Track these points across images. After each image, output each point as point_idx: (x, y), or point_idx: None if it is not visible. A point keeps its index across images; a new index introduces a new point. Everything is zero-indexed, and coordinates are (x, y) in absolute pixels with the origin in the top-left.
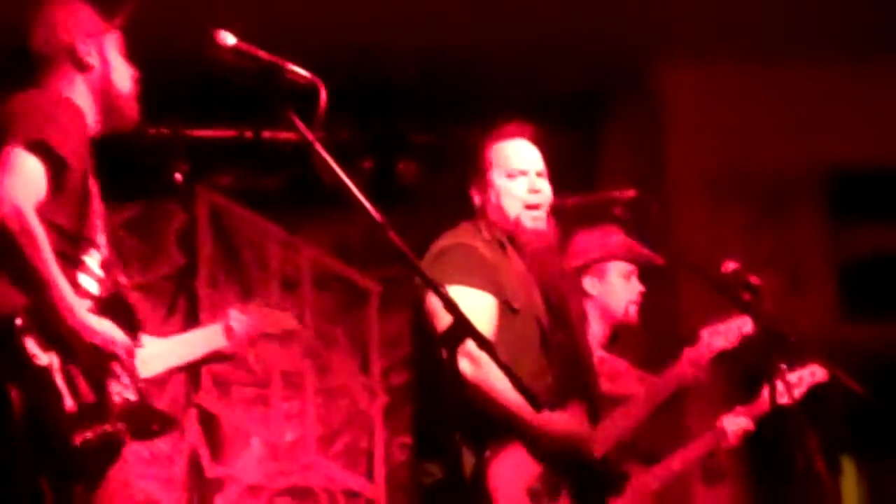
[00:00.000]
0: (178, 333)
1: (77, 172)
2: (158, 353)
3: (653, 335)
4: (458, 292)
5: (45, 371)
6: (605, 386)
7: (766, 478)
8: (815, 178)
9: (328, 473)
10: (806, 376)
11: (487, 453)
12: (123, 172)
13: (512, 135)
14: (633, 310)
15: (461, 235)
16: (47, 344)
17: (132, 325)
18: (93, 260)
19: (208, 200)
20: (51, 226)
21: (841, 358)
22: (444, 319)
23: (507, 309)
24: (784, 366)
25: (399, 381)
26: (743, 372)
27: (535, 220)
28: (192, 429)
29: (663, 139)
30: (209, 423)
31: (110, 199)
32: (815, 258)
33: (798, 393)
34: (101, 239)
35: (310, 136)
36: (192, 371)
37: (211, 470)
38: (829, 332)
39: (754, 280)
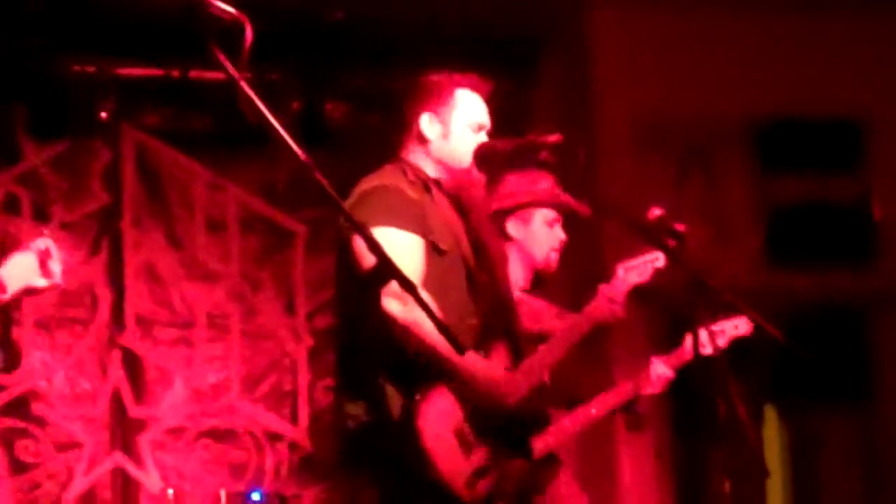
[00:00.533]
0: (101, 274)
1: None
2: None
3: (576, 280)
4: (385, 234)
5: None
6: (526, 325)
7: (688, 425)
8: (742, 127)
9: (252, 415)
10: (729, 328)
11: (417, 396)
12: (49, 109)
13: (477, 87)
14: (553, 257)
15: (386, 177)
16: None
17: None
18: None
19: (134, 139)
20: None
21: (767, 306)
22: (368, 260)
23: (433, 250)
24: (708, 316)
25: (324, 323)
26: (668, 321)
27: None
28: (115, 369)
29: (592, 85)
30: (132, 363)
31: (35, 136)
32: (742, 207)
33: (721, 343)
34: None
35: (234, 73)
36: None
37: (133, 410)
38: (755, 280)
39: (679, 227)
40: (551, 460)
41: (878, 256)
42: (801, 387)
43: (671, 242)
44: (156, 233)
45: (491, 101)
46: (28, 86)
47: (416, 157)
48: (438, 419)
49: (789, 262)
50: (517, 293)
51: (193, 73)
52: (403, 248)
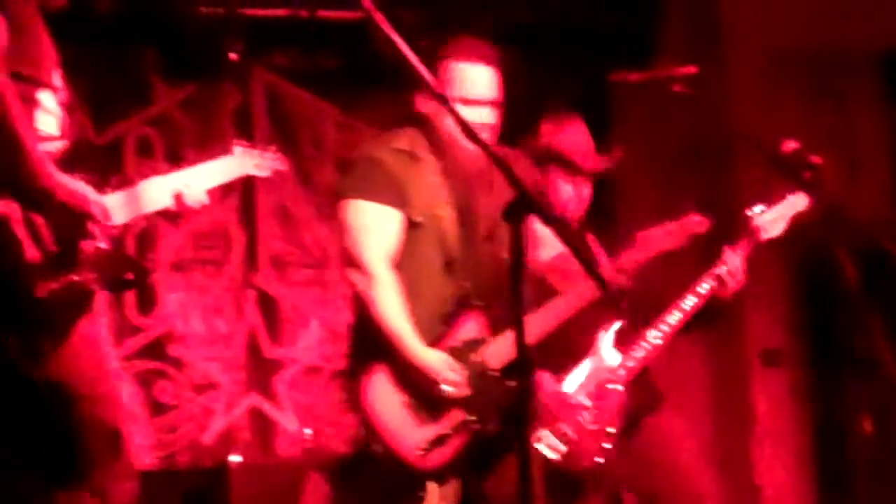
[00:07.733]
0: (234, 215)
1: (24, 16)
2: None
3: (712, 211)
4: (360, 206)
5: (3, 221)
6: (560, 284)
7: (826, 363)
8: (874, 57)
9: None
10: (787, 208)
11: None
12: (178, 53)
13: (475, 57)
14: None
15: (372, 147)
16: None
17: (99, 169)
18: (48, 98)
19: (264, 80)
20: (10, 74)
21: None
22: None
23: (409, 225)
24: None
25: None
26: (804, 253)
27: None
28: (251, 310)
29: (723, 17)
30: (267, 304)
31: (166, 80)
32: (874, 138)
33: (783, 227)
34: (57, 80)
35: (370, 7)
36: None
37: (269, 351)
38: (885, 212)
39: (815, 159)
40: (653, 393)
41: None
42: None
43: (807, 175)
44: (287, 173)
45: (503, 68)
46: (158, 29)
47: (421, 127)
48: (388, 385)
49: None
50: (550, 259)
51: (322, 13)
52: (376, 222)
